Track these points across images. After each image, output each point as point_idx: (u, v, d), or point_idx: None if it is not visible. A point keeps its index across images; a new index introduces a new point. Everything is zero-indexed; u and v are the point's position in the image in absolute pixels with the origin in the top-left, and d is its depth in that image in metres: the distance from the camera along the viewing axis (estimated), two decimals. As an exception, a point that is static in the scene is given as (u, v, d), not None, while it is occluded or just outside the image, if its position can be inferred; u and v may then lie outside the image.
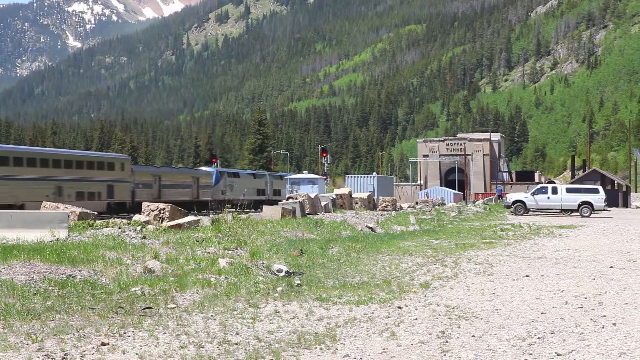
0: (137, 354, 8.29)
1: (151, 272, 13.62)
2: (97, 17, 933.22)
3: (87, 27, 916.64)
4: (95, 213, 28.05)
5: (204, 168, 74.66)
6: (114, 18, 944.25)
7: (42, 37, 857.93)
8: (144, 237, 19.36)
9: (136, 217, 25.06)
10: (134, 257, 15.22)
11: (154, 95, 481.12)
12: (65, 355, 8.09)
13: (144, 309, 10.55)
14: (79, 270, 13.20)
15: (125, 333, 9.13)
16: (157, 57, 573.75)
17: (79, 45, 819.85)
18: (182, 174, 65.69)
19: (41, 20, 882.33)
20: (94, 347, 8.43)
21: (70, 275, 12.73)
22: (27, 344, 8.41)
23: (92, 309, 10.33)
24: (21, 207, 39.42)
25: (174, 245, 18.10)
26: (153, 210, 25.15)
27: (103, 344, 8.57)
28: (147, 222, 23.69)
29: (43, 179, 44.83)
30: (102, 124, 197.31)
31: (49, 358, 7.97)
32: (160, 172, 61.61)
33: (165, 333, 9.26)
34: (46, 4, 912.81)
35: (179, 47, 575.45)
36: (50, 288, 11.53)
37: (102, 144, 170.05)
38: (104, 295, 11.37)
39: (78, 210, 25.52)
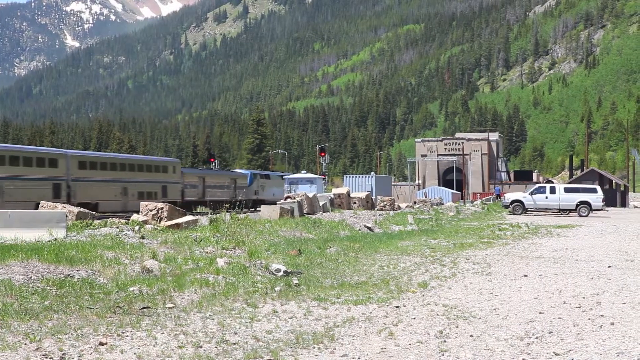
0: (135, 353, 8.29)
1: (149, 272, 13.61)
2: (95, 17, 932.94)
3: (85, 26, 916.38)
4: (94, 213, 28.16)
5: (239, 170, 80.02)
6: (112, 17, 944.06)
7: (40, 37, 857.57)
8: (142, 237, 19.34)
9: (134, 216, 25.02)
10: (132, 256, 15.21)
11: (152, 95, 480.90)
12: (63, 354, 8.09)
13: (142, 308, 10.55)
14: (77, 270, 13.19)
15: (123, 333, 9.13)
16: (155, 56, 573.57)
17: (77, 44, 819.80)
18: (222, 175, 69.45)
19: (39, 20, 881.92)
20: (92, 347, 8.43)
21: (69, 274, 12.73)
22: (25, 344, 8.40)
23: (90, 308, 10.33)
24: (95, 206, 44.22)
25: (172, 244, 18.09)
26: (151, 210, 25.12)
27: (101, 343, 8.57)
28: (145, 222, 23.67)
29: (114, 180, 49.41)
30: (100, 123, 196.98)
31: (47, 358, 7.96)
32: (204, 174, 65.80)
33: (163, 333, 9.26)
34: (44, 3, 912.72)
35: (177, 47, 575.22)
36: (48, 288, 11.53)
37: (100, 143, 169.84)
38: (102, 295, 11.37)
39: (76, 209, 25.50)
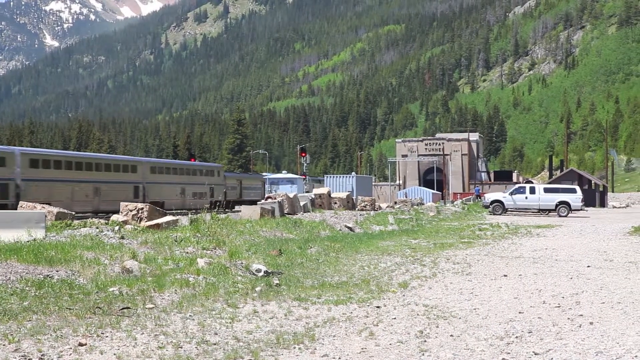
0: (115, 354, 8.25)
1: (129, 272, 13.56)
2: (75, 16, 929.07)
3: (65, 26, 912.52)
4: (160, 209, 28.24)
5: (265, 174, 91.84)
6: (92, 17, 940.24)
7: (19, 36, 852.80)
8: (122, 237, 19.26)
9: (114, 217, 24.92)
10: (111, 257, 15.14)
11: (132, 95, 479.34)
12: (42, 355, 8.04)
13: (122, 309, 10.51)
14: (57, 271, 13.12)
15: (103, 333, 9.09)
16: (135, 56, 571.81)
17: (56, 44, 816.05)
18: (254, 178, 78.87)
19: (18, 19, 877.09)
20: (71, 348, 8.38)
21: (48, 275, 12.65)
22: (4, 345, 8.34)
23: (70, 309, 10.27)
24: (162, 204, 50.27)
25: (152, 245, 18.02)
26: (131, 210, 25.02)
27: (80, 344, 8.53)
28: (125, 222, 23.57)
29: (176, 183, 57.34)
30: (80, 123, 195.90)
31: (25, 359, 7.91)
32: (241, 177, 75.46)
33: (143, 333, 9.23)
34: (23, 2, 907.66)
35: (157, 47, 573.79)
36: (27, 288, 11.45)
37: (80, 143, 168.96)
38: (82, 296, 11.30)
39: (55, 210, 25.37)
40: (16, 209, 35.89)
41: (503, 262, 18.58)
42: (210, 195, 61.21)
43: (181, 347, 8.66)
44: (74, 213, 27.47)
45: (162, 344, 8.77)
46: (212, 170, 65.39)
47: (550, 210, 50.10)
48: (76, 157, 52.28)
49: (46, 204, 35.87)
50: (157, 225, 22.58)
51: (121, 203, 26.48)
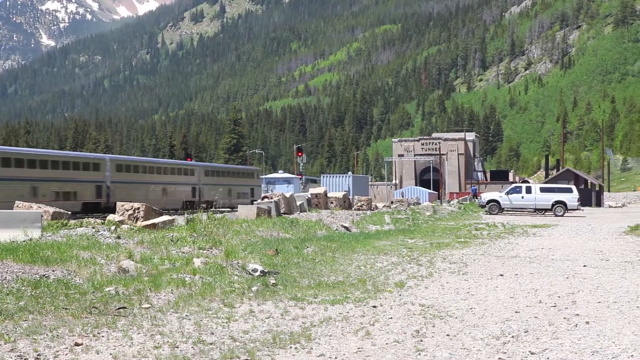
0: (111, 354, 8.24)
1: (125, 272, 13.55)
2: (71, 16, 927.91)
3: (61, 25, 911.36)
4: (69, 212, 28.16)
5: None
6: (88, 17, 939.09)
7: (15, 36, 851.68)
8: (118, 237, 19.24)
9: (110, 216, 24.89)
10: (108, 256, 15.12)
11: (128, 95, 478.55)
12: (38, 355, 8.03)
13: (118, 309, 10.50)
14: (53, 270, 13.10)
15: (99, 333, 9.08)
16: (131, 56, 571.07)
17: (52, 44, 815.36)
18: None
19: (14, 19, 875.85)
20: (67, 348, 8.37)
21: (44, 275, 12.63)
22: (0, 345, 8.33)
23: (66, 309, 10.26)
24: (211, 202, 56.55)
25: (148, 244, 18.00)
26: (127, 210, 24.99)
27: (77, 344, 8.52)
28: (122, 222, 23.54)
29: (225, 184, 64.80)
30: (76, 123, 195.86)
31: (21, 358, 7.91)
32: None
33: (139, 333, 9.22)
34: (19, 2, 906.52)
35: (153, 46, 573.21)
36: (23, 288, 11.44)
37: (76, 143, 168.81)
38: (78, 295, 11.29)
39: (51, 209, 25.34)
40: (108, 207, 51.04)
41: (499, 262, 18.59)
42: (251, 195, 67.92)
43: (177, 347, 8.65)
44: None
45: (158, 343, 8.76)
46: (252, 173, 73.56)
47: (546, 210, 50.13)
48: (150, 163, 63.22)
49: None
50: (154, 225, 22.55)
51: (117, 203, 26.49)
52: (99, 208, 51.15)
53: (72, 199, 50.58)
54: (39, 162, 49.73)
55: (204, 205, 33.47)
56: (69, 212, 25.41)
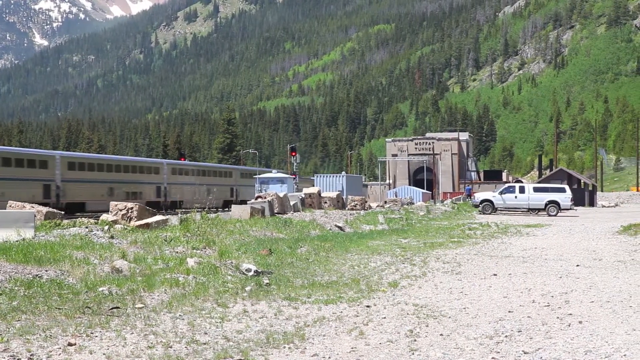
0: (104, 354, 8.23)
1: (119, 272, 13.53)
2: (64, 15, 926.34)
3: (54, 25, 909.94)
4: (62, 212, 28.19)
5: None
6: (82, 16, 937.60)
7: (8, 35, 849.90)
8: (112, 237, 19.21)
9: (104, 216, 24.86)
10: (101, 256, 15.10)
11: (121, 94, 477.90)
12: (31, 355, 8.02)
13: (112, 308, 10.48)
14: (46, 270, 13.07)
15: (92, 333, 9.06)
16: (125, 55, 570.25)
17: (45, 43, 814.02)
18: (306, 181, 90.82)
19: (7, 18, 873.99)
20: (60, 348, 8.36)
21: (37, 275, 12.61)
22: (-7, 345, 8.32)
23: (59, 309, 10.24)
24: (246, 202, 57.03)
25: (142, 244, 17.98)
26: (121, 210, 24.96)
27: (70, 344, 8.50)
28: (115, 222, 23.52)
29: (249, 185, 69.87)
30: (69, 122, 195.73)
31: (14, 359, 7.89)
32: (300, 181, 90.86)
33: (133, 333, 9.21)
34: (12, 1, 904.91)
35: (147, 46, 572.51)
36: (16, 288, 11.41)
37: (69, 143, 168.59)
38: (71, 295, 11.27)
39: (44, 209, 25.30)
40: (166, 205, 60.07)
41: (493, 262, 18.61)
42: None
43: (171, 347, 8.64)
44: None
45: (151, 343, 8.75)
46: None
47: (539, 210, 50.21)
48: (197, 166, 72.26)
49: (180, 201, 62.95)
50: (147, 225, 22.53)
51: (110, 202, 26.48)
52: (159, 206, 57.36)
53: (138, 198, 57.59)
54: (115, 166, 58.71)
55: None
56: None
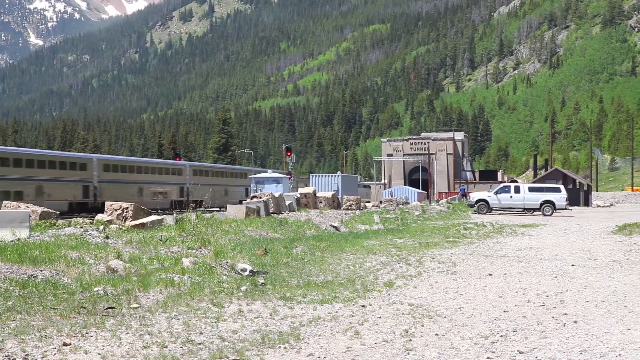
0: (99, 354, 8.22)
1: (114, 272, 13.52)
2: (59, 15, 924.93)
3: (49, 24, 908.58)
4: (58, 212, 28.20)
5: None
6: (77, 16, 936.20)
7: (2, 35, 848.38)
8: (107, 237, 19.20)
9: (99, 216, 24.84)
10: (96, 256, 15.09)
11: (117, 94, 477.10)
12: (26, 355, 8.00)
13: (107, 308, 10.47)
14: (41, 270, 13.06)
15: (87, 333, 9.05)
16: (120, 55, 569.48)
17: (40, 43, 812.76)
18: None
19: (2, 18, 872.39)
20: (55, 348, 8.34)
21: (32, 275, 12.59)
22: (-12, 345, 8.30)
23: (54, 309, 10.22)
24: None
25: (137, 244, 17.97)
26: (116, 210, 24.94)
27: (65, 344, 8.49)
28: (110, 222, 23.50)
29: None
30: (65, 122, 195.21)
31: (9, 359, 7.87)
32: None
33: (128, 333, 9.20)
34: (7, 1, 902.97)
35: (142, 46, 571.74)
36: (11, 288, 11.40)
37: (64, 142, 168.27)
38: (66, 295, 11.26)
39: (39, 209, 25.27)
40: (188, 204, 59.65)
41: (488, 261, 18.62)
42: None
43: (166, 347, 8.64)
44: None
45: (147, 343, 8.74)
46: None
47: (534, 210, 50.27)
48: (217, 168, 77.40)
49: (201, 201, 63.68)
50: (142, 225, 22.52)
51: (106, 202, 26.50)
52: (182, 205, 60.14)
53: (164, 197, 64.03)
54: (143, 168, 63.97)
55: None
56: (164, 209, 30.24)
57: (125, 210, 24.72)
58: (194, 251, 17.13)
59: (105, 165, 59.30)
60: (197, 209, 60.01)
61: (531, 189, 51.43)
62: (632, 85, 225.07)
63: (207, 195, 64.85)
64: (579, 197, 74.68)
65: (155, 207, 53.32)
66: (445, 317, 10.80)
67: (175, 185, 67.39)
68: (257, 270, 14.81)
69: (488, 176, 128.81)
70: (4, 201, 27.83)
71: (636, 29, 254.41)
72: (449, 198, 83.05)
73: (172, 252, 16.91)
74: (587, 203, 75.90)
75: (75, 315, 9.98)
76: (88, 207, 55.26)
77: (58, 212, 27.95)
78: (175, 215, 26.94)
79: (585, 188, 79.96)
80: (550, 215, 48.31)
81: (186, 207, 56.43)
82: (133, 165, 64.50)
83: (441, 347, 8.90)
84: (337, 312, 11.15)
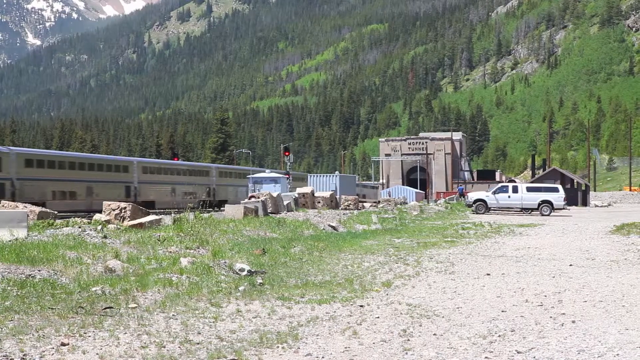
0: (97, 354, 8.21)
1: (112, 272, 13.51)
2: (57, 15, 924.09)
3: (47, 24, 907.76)
4: (56, 212, 28.20)
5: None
6: (74, 15, 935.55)
7: (0, 35, 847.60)
8: (105, 237, 19.18)
9: (97, 216, 24.81)
10: (94, 256, 15.08)
11: (115, 94, 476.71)
12: (24, 355, 7.99)
13: (105, 308, 10.46)
14: (39, 270, 13.05)
15: (85, 333, 9.04)
16: (118, 55, 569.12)
17: (38, 42, 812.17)
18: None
19: (0, 17, 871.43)
20: (53, 348, 8.33)
21: (30, 275, 12.59)
22: (-14, 345, 8.29)
23: (52, 309, 10.21)
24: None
25: (135, 244, 17.95)
26: (114, 209, 24.91)
27: (63, 344, 8.48)
28: (108, 222, 23.48)
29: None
30: (63, 122, 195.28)
31: (7, 359, 7.86)
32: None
33: (126, 333, 9.19)
34: (5, 1, 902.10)
35: (140, 46, 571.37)
36: (9, 288, 11.39)
37: (62, 142, 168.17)
38: (64, 295, 11.25)
39: (37, 209, 25.24)
40: (213, 203, 64.78)
41: (486, 261, 18.62)
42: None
43: (164, 347, 8.63)
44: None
45: (145, 343, 8.74)
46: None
47: (532, 209, 50.30)
48: (240, 170, 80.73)
49: (225, 200, 67.97)
50: (140, 225, 22.50)
51: (104, 202, 26.50)
52: (208, 204, 60.54)
53: (193, 197, 67.05)
54: (176, 170, 69.34)
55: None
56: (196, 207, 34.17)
57: (123, 210, 24.69)
58: (192, 251, 17.13)
59: (144, 168, 64.67)
60: (222, 208, 63.06)
61: (529, 189, 51.46)
62: (630, 85, 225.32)
63: (231, 195, 71.29)
64: (577, 197, 74.76)
65: (186, 206, 55.93)
66: (443, 317, 10.80)
67: (202, 186, 72.04)
68: (255, 270, 14.80)
69: (486, 176, 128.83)
70: (2, 201, 27.81)
71: (634, 29, 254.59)
72: (447, 198, 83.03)
73: (170, 252, 16.90)
74: (585, 203, 75.98)
75: (73, 315, 9.98)
76: None
77: None
78: (173, 215, 26.89)
79: (583, 188, 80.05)
80: (548, 215, 48.33)
81: (213, 207, 60.51)
82: (167, 167, 70.04)
83: (439, 347, 8.90)
84: (335, 312, 11.15)
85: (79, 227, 20.82)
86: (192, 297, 11.77)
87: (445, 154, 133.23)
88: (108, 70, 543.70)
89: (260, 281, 13.61)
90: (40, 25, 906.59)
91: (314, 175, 71.94)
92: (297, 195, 44.46)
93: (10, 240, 17.09)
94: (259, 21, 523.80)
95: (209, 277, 13.59)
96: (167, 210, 40.02)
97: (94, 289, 11.81)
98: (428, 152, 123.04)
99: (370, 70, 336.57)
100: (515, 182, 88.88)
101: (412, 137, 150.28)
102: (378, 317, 10.69)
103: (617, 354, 8.42)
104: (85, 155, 69.11)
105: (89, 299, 11.05)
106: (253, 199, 36.59)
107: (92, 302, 10.82)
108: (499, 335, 9.45)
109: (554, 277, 15.29)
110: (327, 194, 48.35)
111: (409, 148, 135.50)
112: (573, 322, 10.25)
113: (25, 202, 31.66)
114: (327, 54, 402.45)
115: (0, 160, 49.19)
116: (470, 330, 9.82)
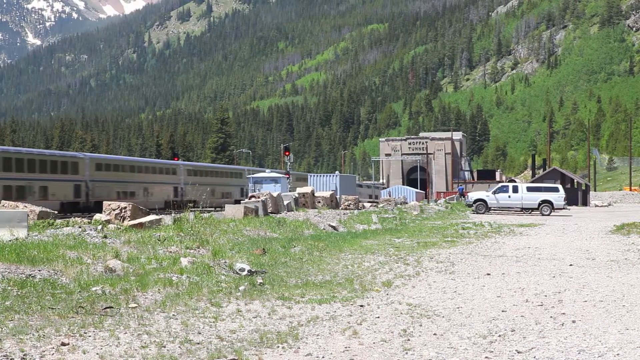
0: (97, 354, 8.21)
1: (112, 272, 13.51)
2: (57, 15, 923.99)
3: (47, 24, 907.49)
4: (56, 212, 28.23)
5: (277, 174, 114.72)
6: (74, 15, 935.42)
7: (0, 34, 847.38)
8: (105, 236, 19.18)
9: (97, 216, 24.80)
10: (94, 256, 15.07)
11: (115, 94, 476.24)
12: (24, 355, 7.99)
13: (105, 308, 10.46)
14: (39, 270, 13.05)
15: (85, 333, 9.04)
16: (118, 55, 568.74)
17: (38, 42, 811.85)
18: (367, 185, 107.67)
19: (0, 17, 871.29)
20: (53, 348, 8.34)
21: (30, 274, 12.59)
22: (-14, 345, 8.29)
23: (52, 308, 10.21)
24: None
25: (135, 244, 17.95)
26: (114, 209, 24.90)
27: (63, 344, 8.48)
28: (108, 221, 23.46)
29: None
30: (62, 122, 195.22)
31: (7, 359, 7.86)
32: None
33: (126, 333, 9.19)
34: (4, 0, 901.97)
35: (140, 45, 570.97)
36: (9, 288, 11.39)
37: (62, 142, 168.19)
38: (64, 295, 11.25)
39: (38, 209, 25.22)
40: (239, 201, 61.70)
41: (486, 261, 18.62)
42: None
43: (164, 347, 8.63)
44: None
45: (145, 343, 8.74)
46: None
47: (533, 209, 50.31)
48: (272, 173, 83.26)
49: (253, 196, 67.13)
50: (140, 225, 22.49)
51: (104, 202, 26.53)
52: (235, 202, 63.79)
53: (228, 197, 73.65)
54: (215, 172, 76.37)
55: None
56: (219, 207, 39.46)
57: (123, 210, 24.69)
58: (192, 251, 17.13)
59: (189, 170, 71.92)
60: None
61: (529, 189, 51.46)
62: (630, 85, 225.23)
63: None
64: (577, 196, 74.75)
65: (221, 205, 58.65)
66: (443, 316, 10.80)
67: (236, 187, 78.74)
68: (256, 270, 14.80)
69: (486, 176, 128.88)
70: (2, 200, 27.80)
71: (634, 29, 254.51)
72: (447, 198, 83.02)
73: (171, 251, 16.90)
74: (585, 203, 75.96)
75: (73, 315, 9.98)
76: (177, 204, 66.06)
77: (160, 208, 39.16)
78: (173, 215, 26.88)
79: (584, 188, 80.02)
80: (548, 215, 48.33)
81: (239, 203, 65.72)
82: (208, 170, 78.31)
83: (439, 346, 8.90)
84: (335, 311, 11.15)
85: (79, 227, 20.81)
86: (192, 297, 11.77)
87: (445, 153, 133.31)
88: (108, 70, 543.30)
89: (261, 281, 13.61)
90: (40, 25, 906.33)
91: (314, 175, 71.93)
92: (297, 195, 44.45)
93: (10, 240, 17.08)
94: (259, 21, 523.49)
95: (209, 277, 13.60)
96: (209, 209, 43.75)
97: (94, 288, 11.81)
98: (428, 152, 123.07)
99: (370, 70, 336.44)
100: (515, 182, 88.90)
101: (412, 137, 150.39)
102: (378, 317, 10.69)
103: (618, 354, 8.42)
104: (142, 160, 78.33)
105: (89, 299, 11.04)
106: (253, 199, 36.58)
107: (92, 302, 10.82)
108: (499, 335, 9.45)
109: (554, 277, 15.29)
110: (327, 193, 48.34)
111: (409, 148, 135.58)
112: (573, 322, 10.26)
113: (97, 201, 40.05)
114: (327, 54, 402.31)
115: (77, 164, 56.01)
116: (470, 330, 9.83)
